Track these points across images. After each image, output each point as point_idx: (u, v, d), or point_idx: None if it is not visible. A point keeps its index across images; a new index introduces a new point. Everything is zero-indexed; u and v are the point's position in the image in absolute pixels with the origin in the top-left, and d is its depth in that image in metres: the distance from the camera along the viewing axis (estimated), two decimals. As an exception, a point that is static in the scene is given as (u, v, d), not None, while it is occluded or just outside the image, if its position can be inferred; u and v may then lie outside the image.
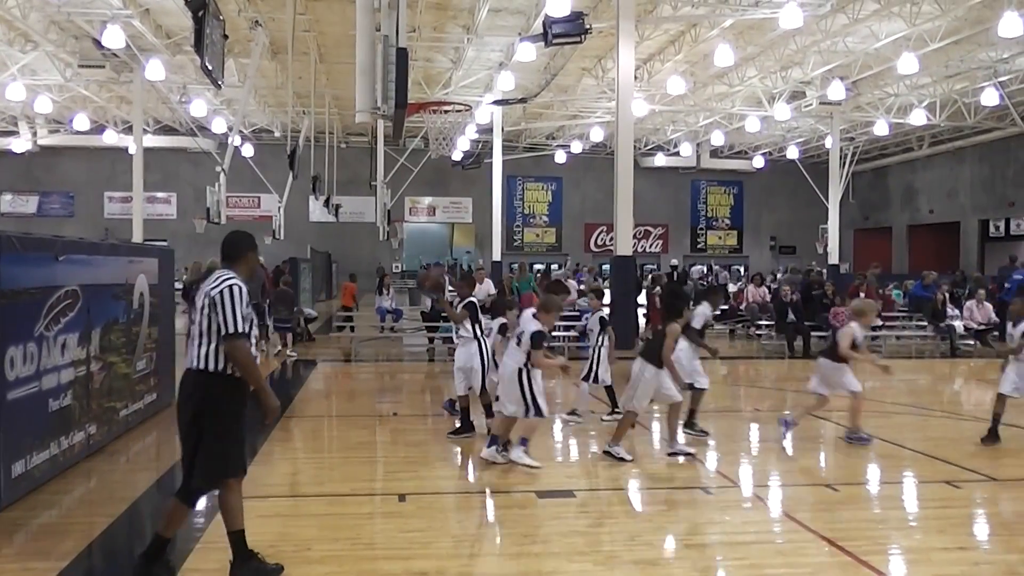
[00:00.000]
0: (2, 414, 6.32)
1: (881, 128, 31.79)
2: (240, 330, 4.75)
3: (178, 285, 16.17)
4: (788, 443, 8.97)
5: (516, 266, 24.43)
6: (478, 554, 5.69)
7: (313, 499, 7.09)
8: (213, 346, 4.82)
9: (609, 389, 10.27)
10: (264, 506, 6.79)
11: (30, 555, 5.63)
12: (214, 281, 4.87)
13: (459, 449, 9.30)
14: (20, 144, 37.25)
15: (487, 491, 7.50)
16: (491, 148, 34.23)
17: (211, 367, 4.83)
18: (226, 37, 16.30)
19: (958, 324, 18.37)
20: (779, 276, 26.03)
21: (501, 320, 9.47)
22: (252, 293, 17.08)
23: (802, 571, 5.33)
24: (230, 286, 4.79)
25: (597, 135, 35.57)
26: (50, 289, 7.13)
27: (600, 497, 7.33)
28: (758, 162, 41.83)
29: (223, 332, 4.75)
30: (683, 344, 9.03)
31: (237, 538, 5.01)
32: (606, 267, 33.98)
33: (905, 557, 5.65)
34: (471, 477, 8.07)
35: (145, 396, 9.85)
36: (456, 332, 9.46)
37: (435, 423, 10.82)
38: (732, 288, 29.55)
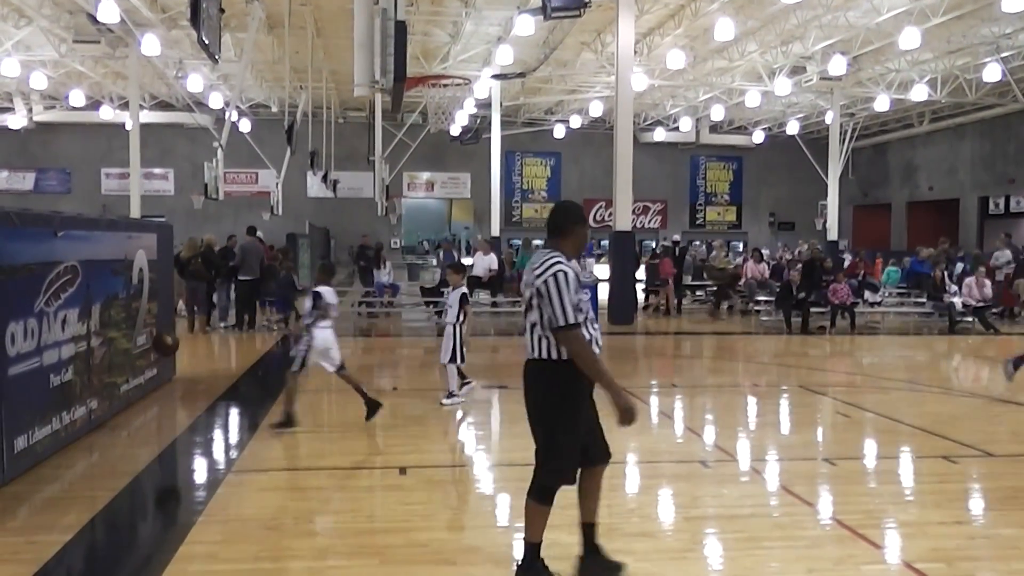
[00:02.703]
0: (4, 389, 6.34)
1: (882, 104, 31.64)
2: (572, 321, 4.34)
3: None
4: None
5: (520, 243, 24.45)
6: (478, 526, 5.73)
7: (314, 472, 7.14)
8: (549, 333, 4.46)
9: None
10: (265, 480, 6.85)
11: (34, 529, 5.67)
12: (540, 266, 4.45)
13: (459, 423, 9.35)
14: (16, 120, 37.05)
15: (487, 464, 7.55)
16: (489, 123, 34.07)
17: (552, 355, 4.47)
18: (222, 11, 16.17)
19: (957, 301, 18.40)
20: (794, 253, 25.84)
21: None
22: (250, 268, 17.10)
23: (799, 544, 5.37)
24: (555, 273, 4.36)
25: (596, 110, 35.37)
26: (49, 265, 7.13)
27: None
28: (758, 137, 41.67)
29: (554, 325, 4.36)
30: None
31: (588, 530, 4.78)
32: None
33: (901, 531, 5.70)
34: (471, 450, 8.12)
35: (146, 371, 9.88)
36: None
37: (435, 397, 10.88)
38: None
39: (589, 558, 4.80)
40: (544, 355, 4.50)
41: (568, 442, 4.52)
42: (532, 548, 4.60)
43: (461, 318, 9.71)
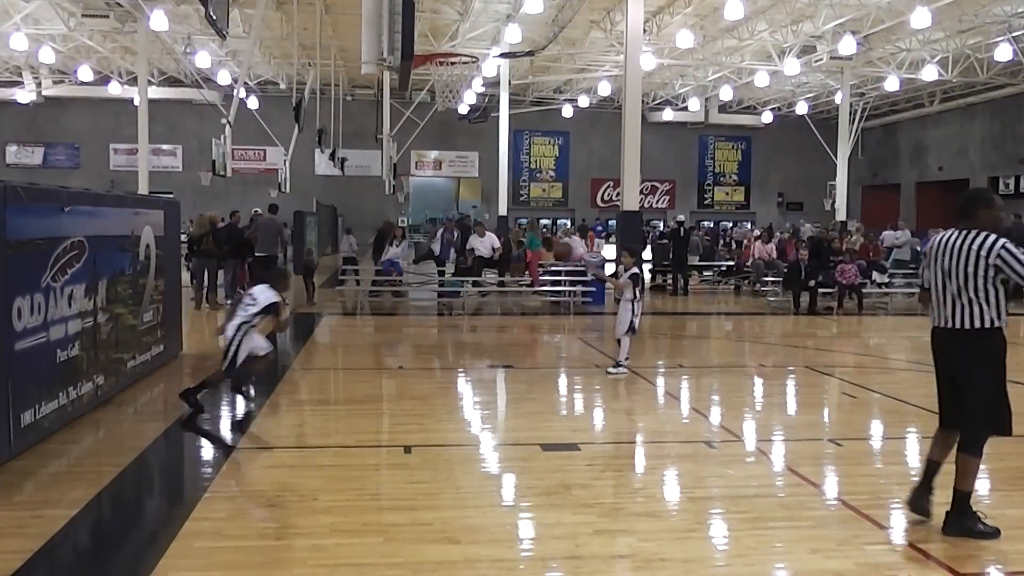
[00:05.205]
0: (10, 364, 6.35)
1: (892, 84, 31.43)
2: None
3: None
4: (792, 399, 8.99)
5: (528, 222, 24.33)
6: (482, 505, 5.74)
7: (319, 450, 7.16)
8: (989, 303, 5.06)
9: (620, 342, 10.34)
10: (271, 457, 6.87)
11: (40, 503, 5.70)
12: (977, 245, 5.03)
13: (464, 402, 9.36)
14: (24, 95, 37.07)
15: (492, 443, 7.56)
16: (498, 102, 33.95)
17: (991, 324, 5.08)
18: (230, -13, 16.13)
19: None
20: (804, 231, 25.70)
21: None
22: (266, 245, 17.03)
23: (803, 524, 5.37)
24: (1004, 245, 5.01)
25: (605, 89, 35.23)
26: (56, 240, 7.13)
27: (604, 450, 7.38)
28: (767, 117, 41.46)
29: None
30: None
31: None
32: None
33: (906, 511, 5.68)
34: (476, 429, 8.13)
35: (152, 347, 9.90)
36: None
37: (441, 376, 10.90)
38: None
39: (924, 489, 5.42)
40: (980, 324, 5.10)
41: (1005, 396, 5.19)
42: (967, 496, 5.18)
43: (638, 295, 10.28)
